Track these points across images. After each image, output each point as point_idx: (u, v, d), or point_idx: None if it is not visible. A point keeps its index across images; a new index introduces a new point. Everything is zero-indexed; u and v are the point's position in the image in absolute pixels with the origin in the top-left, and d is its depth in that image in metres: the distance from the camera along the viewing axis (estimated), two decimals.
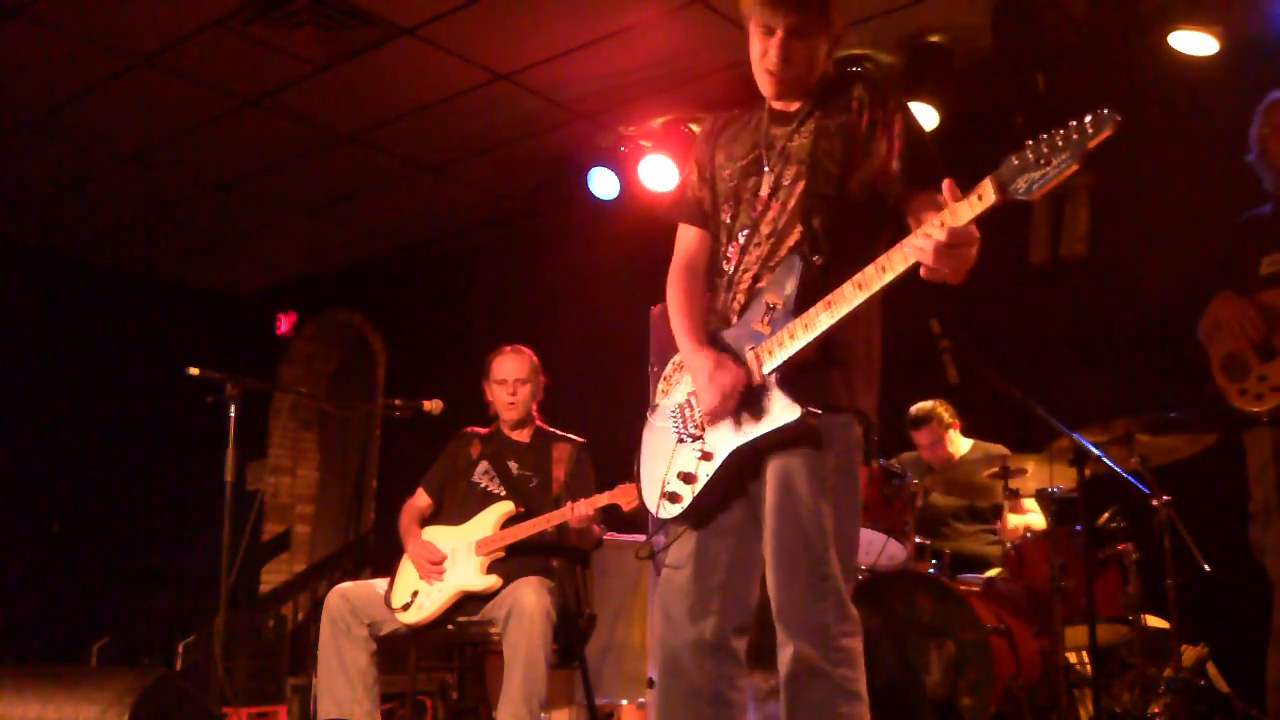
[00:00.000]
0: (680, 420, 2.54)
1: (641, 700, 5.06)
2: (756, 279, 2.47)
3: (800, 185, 2.45)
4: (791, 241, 2.44)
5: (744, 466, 2.45)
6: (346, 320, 9.00)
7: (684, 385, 2.57)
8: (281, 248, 8.44)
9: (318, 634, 4.09)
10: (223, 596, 3.78)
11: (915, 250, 2.13)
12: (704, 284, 2.62)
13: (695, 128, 5.96)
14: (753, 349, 2.41)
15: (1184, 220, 4.88)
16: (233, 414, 3.90)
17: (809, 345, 2.33)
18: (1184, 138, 5.03)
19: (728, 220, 2.56)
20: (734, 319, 2.49)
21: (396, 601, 4.11)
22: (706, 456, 2.47)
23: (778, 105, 2.56)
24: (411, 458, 5.42)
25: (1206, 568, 3.77)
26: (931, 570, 4.20)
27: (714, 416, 2.44)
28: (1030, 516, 4.69)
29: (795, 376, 2.36)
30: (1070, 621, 3.94)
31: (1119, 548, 4.09)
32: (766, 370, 2.37)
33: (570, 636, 4.09)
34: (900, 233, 2.39)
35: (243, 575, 4.82)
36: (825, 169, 2.44)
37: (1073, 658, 4.12)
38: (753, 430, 2.39)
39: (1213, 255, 3.89)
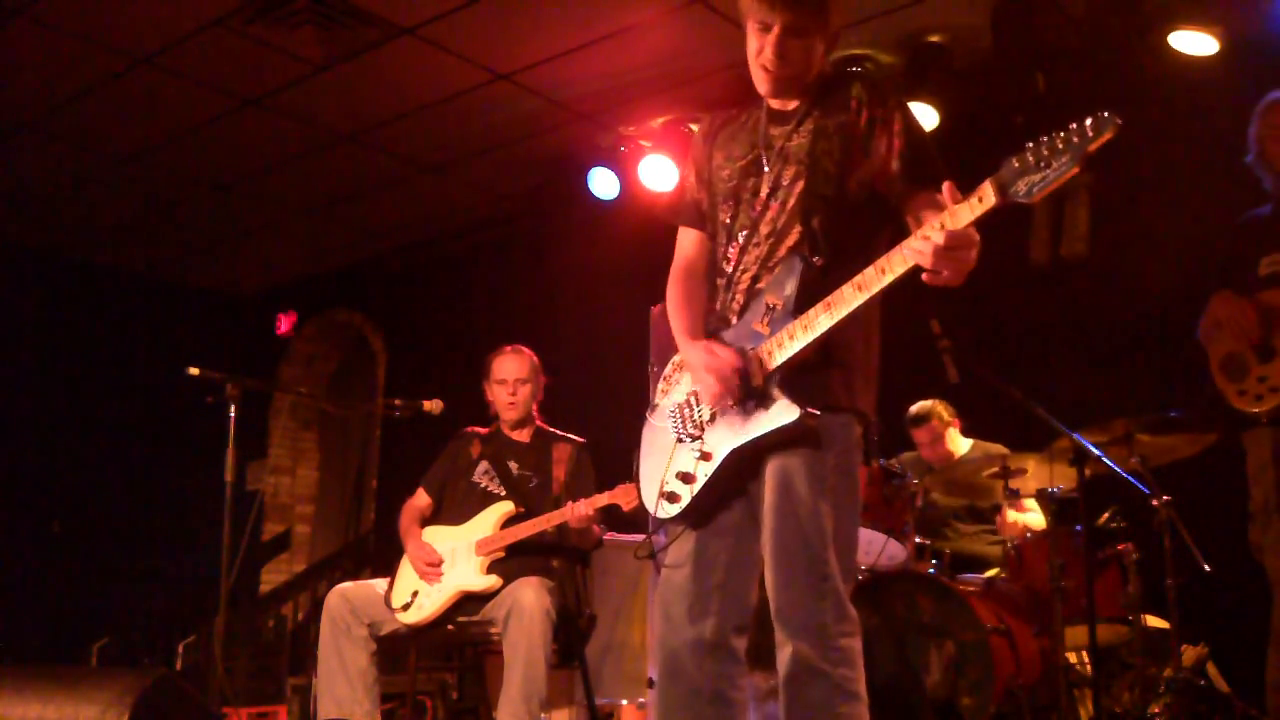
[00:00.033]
0: (679, 420, 2.54)
1: (641, 700, 5.06)
2: (756, 279, 2.47)
3: (799, 185, 2.45)
4: (790, 241, 2.44)
5: (743, 466, 2.44)
6: (346, 320, 9.01)
7: (684, 385, 2.57)
8: (281, 248, 8.44)
9: (318, 634, 4.09)
10: (223, 596, 3.78)
11: (914, 253, 2.13)
12: (704, 286, 2.62)
13: (695, 128, 5.96)
14: (752, 349, 2.41)
15: (1184, 220, 4.88)
16: (233, 414, 3.90)
17: (808, 346, 2.32)
18: (1184, 138, 5.03)
19: (727, 220, 2.56)
20: (733, 319, 2.49)
21: (396, 601, 4.11)
22: (705, 457, 2.47)
23: (775, 104, 2.56)
24: (411, 458, 5.43)
25: (1206, 568, 3.77)
26: (931, 570, 4.20)
27: (718, 400, 2.43)
28: (1030, 516, 4.69)
29: (794, 377, 2.36)
30: (1070, 621, 3.93)
31: (1119, 548, 4.09)
32: (766, 371, 2.37)
33: (570, 636, 4.09)
34: (899, 232, 2.39)
35: (243, 575, 4.82)
36: (824, 169, 2.44)
37: (1073, 658, 4.12)
38: (752, 431, 2.38)
39: (1213, 255, 3.90)
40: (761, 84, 2.52)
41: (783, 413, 2.33)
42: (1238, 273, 3.68)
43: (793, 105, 2.54)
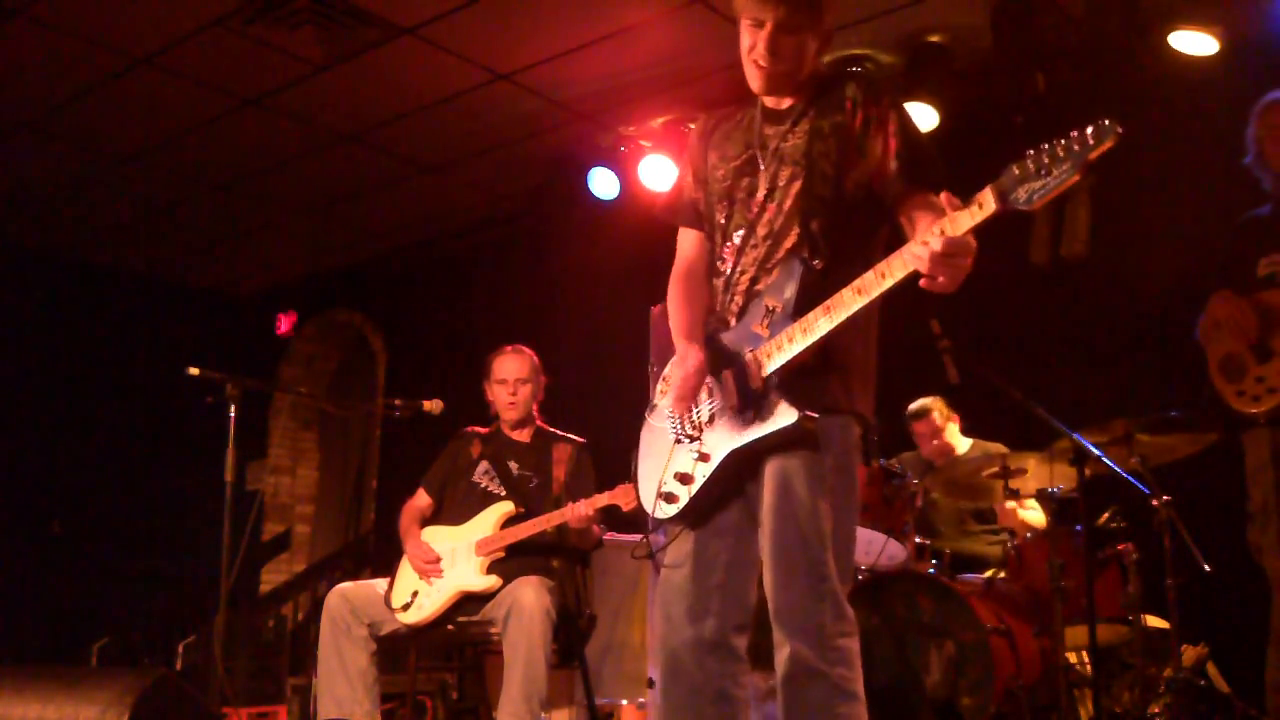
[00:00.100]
0: (678, 421, 2.54)
1: (641, 700, 5.06)
2: (754, 281, 2.47)
3: (796, 186, 2.45)
4: (789, 243, 2.44)
5: (742, 468, 2.45)
6: (346, 320, 9.00)
7: None
8: (281, 248, 8.44)
9: (318, 634, 4.09)
10: (223, 596, 3.78)
11: (913, 258, 2.14)
12: (704, 286, 2.62)
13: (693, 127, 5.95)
14: (752, 352, 2.41)
15: (1184, 220, 4.88)
16: (233, 414, 3.90)
17: (807, 349, 2.33)
18: (1184, 138, 5.03)
19: (722, 220, 2.56)
20: (732, 321, 2.49)
21: (396, 601, 4.11)
22: (704, 458, 2.47)
23: (769, 103, 2.57)
24: (411, 458, 5.43)
25: (1206, 568, 3.77)
26: (931, 570, 4.20)
27: (674, 403, 2.48)
28: (1030, 514, 4.69)
29: (793, 380, 2.36)
30: (1070, 621, 3.93)
31: (1119, 548, 4.09)
32: (765, 373, 2.37)
33: (570, 636, 4.09)
34: (896, 232, 2.40)
35: (243, 575, 4.82)
36: (821, 170, 2.44)
37: (1073, 658, 4.12)
38: (750, 433, 2.39)
39: (1212, 256, 3.90)
40: (754, 81, 2.52)
41: (782, 415, 2.34)
42: (1237, 273, 3.69)
43: (787, 104, 2.54)
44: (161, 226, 8.02)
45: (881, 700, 3.70)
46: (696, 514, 2.51)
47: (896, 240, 2.34)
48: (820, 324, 2.30)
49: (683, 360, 2.47)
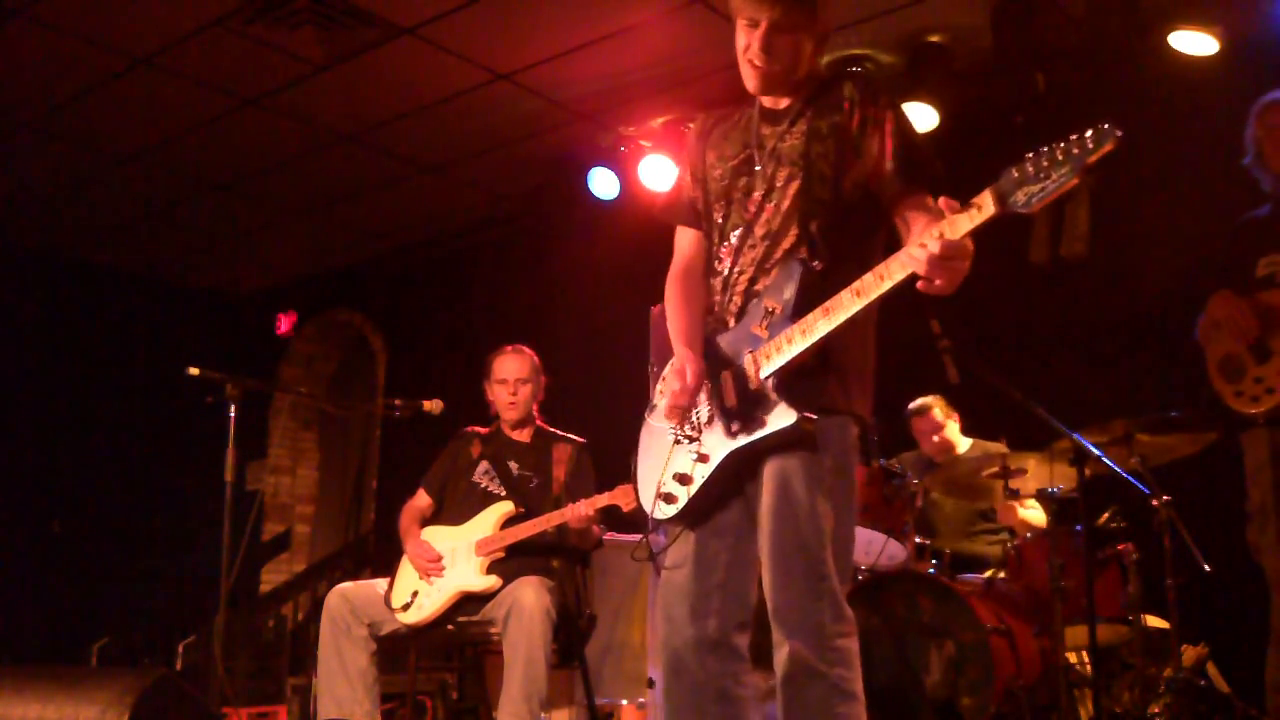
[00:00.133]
0: (677, 422, 2.54)
1: (641, 700, 5.06)
2: (753, 281, 2.47)
3: (794, 186, 2.46)
4: (787, 244, 2.44)
5: (741, 468, 2.45)
6: (346, 320, 9.00)
7: None
8: (281, 248, 8.44)
9: (318, 634, 4.09)
10: (223, 596, 3.78)
11: (911, 260, 2.14)
12: (703, 286, 2.62)
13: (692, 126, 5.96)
14: (750, 353, 2.41)
15: (1184, 220, 4.88)
16: (233, 414, 3.90)
17: (806, 351, 2.33)
18: (1184, 138, 5.03)
19: (719, 220, 2.57)
20: (731, 321, 2.50)
21: (396, 601, 4.11)
22: (703, 459, 2.47)
23: (767, 103, 2.57)
24: (411, 458, 5.43)
25: (1206, 568, 3.77)
26: (931, 570, 4.20)
27: (668, 410, 2.48)
28: (1030, 514, 4.69)
29: (792, 381, 2.36)
30: (1070, 621, 3.93)
31: (1119, 548, 4.09)
32: (764, 374, 2.38)
33: (570, 636, 4.09)
34: (894, 232, 2.40)
35: (243, 575, 4.83)
36: (819, 171, 2.44)
37: (1073, 658, 4.12)
38: (749, 435, 2.39)
39: (1212, 256, 3.90)
40: (750, 80, 2.53)
41: (780, 417, 2.34)
42: (1236, 273, 3.69)
43: (784, 104, 2.55)
44: (161, 226, 8.02)
45: (881, 700, 3.70)
46: (696, 514, 2.51)
47: (895, 241, 2.35)
48: (819, 326, 2.30)
49: (681, 371, 2.46)
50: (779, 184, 2.48)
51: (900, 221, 2.40)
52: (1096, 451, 3.83)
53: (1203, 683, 3.83)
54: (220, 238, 8.26)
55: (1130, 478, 3.91)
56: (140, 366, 8.40)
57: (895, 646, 3.92)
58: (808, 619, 2.32)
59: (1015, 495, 4.28)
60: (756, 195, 2.50)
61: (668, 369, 2.63)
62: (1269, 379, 3.54)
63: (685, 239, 2.70)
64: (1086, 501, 3.88)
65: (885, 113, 2.45)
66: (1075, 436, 3.85)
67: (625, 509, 3.84)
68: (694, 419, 2.51)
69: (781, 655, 2.34)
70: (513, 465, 4.35)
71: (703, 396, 2.49)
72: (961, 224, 2.08)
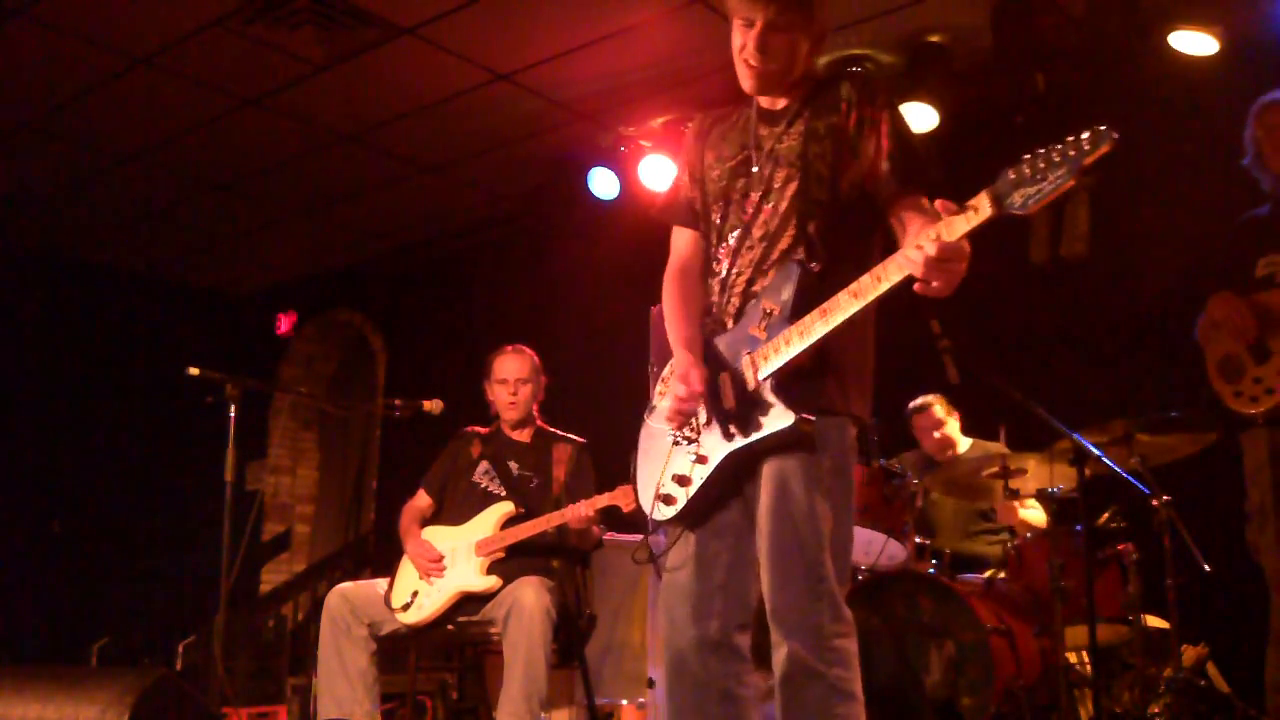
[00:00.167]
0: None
1: (641, 700, 5.06)
2: (751, 282, 2.48)
3: (792, 187, 2.46)
4: (784, 244, 2.44)
5: (739, 469, 2.45)
6: (346, 320, 9.00)
7: None
8: (281, 248, 8.44)
9: (318, 634, 4.09)
10: (223, 596, 3.78)
11: (907, 262, 2.14)
12: (699, 286, 2.63)
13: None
14: (748, 354, 2.41)
15: (1184, 220, 4.88)
16: (233, 414, 3.90)
17: (804, 352, 2.33)
18: (1184, 138, 5.03)
19: (717, 221, 2.57)
20: (729, 323, 2.50)
21: (396, 601, 4.11)
22: (701, 460, 2.47)
23: (764, 103, 2.57)
24: (411, 458, 5.43)
25: (1206, 568, 3.77)
26: (931, 570, 4.20)
27: (670, 416, 2.48)
28: (1030, 513, 4.69)
29: (790, 382, 2.36)
30: (1070, 621, 3.93)
31: (1119, 548, 4.09)
32: (762, 376, 2.38)
33: (570, 636, 4.09)
34: (891, 233, 2.40)
35: (243, 575, 4.83)
36: (817, 171, 2.45)
37: (1073, 658, 4.12)
38: (747, 436, 2.39)
39: (1211, 256, 3.90)
40: (745, 80, 2.53)
41: (778, 418, 2.34)
42: (1235, 273, 3.69)
43: (781, 104, 2.55)
44: (161, 226, 8.02)
45: (881, 700, 3.70)
46: (695, 515, 2.51)
47: (893, 241, 2.34)
48: (816, 328, 2.30)
49: (686, 377, 2.45)
50: (776, 185, 2.48)
51: (896, 222, 2.40)
52: (1096, 451, 3.83)
53: (1203, 683, 3.83)
54: (220, 238, 8.26)
55: (1130, 478, 3.91)
56: (140, 366, 8.40)
57: (895, 646, 3.92)
58: (806, 620, 2.32)
59: (1015, 495, 4.28)
60: (754, 196, 2.50)
61: (667, 371, 2.63)
62: (1268, 379, 3.54)
63: (682, 239, 2.70)
64: (1086, 501, 3.88)
65: (882, 113, 2.45)
66: (1075, 436, 3.85)
67: (625, 509, 3.84)
68: (693, 421, 2.51)
69: (780, 656, 2.34)
70: (513, 465, 4.35)
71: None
72: (958, 226, 2.08)
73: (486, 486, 4.31)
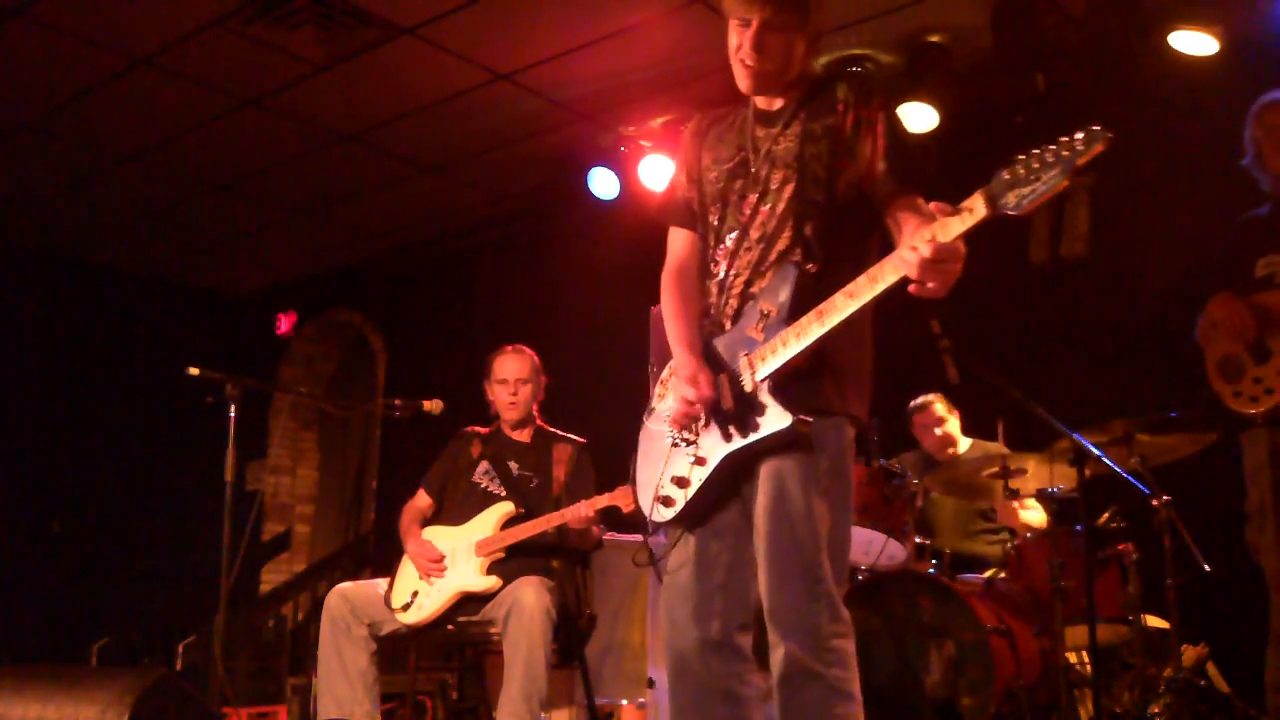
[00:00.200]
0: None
1: (641, 700, 5.06)
2: (749, 284, 2.48)
3: (788, 189, 2.46)
4: (781, 245, 2.45)
5: (738, 469, 2.45)
6: (346, 320, 9.00)
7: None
8: (281, 248, 8.44)
9: (318, 634, 4.09)
10: (223, 596, 3.78)
11: (902, 263, 2.14)
12: (697, 286, 2.63)
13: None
14: (746, 355, 2.41)
15: (1184, 220, 4.88)
16: (233, 414, 3.90)
17: (801, 353, 2.33)
18: (1184, 138, 5.03)
19: (715, 222, 2.57)
20: (727, 324, 2.50)
21: (396, 601, 4.11)
22: (700, 461, 2.47)
23: (761, 104, 2.58)
24: (411, 458, 5.43)
25: (1206, 568, 3.77)
26: (931, 570, 4.19)
27: (675, 420, 2.48)
28: (1030, 513, 4.69)
29: (787, 383, 2.36)
30: (1070, 621, 3.93)
31: (1119, 548, 4.09)
32: (759, 377, 2.38)
33: (570, 636, 4.09)
34: (888, 233, 2.40)
35: (243, 575, 4.82)
36: (813, 173, 2.45)
37: (1073, 658, 4.12)
38: (745, 437, 2.39)
39: (1211, 256, 3.90)
40: (742, 81, 2.53)
41: (776, 419, 2.34)
42: (1235, 274, 3.69)
43: (778, 105, 2.55)
44: (161, 226, 8.02)
45: (881, 700, 3.70)
46: (694, 516, 2.51)
47: (890, 241, 2.35)
48: (813, 329, 2.31)
49: (693, 380, 2.45)
50: (774, 186, 2.48)
51: (892, 223, 2.40)
52: (1096, 451, 3.83)
53: (1203, 683, 3.83)
54: (220, 238, 8.26)
55: (1130, 478, 3.91)
56: (140, 366, 8.40)
57: (895, 646, 3.91)
58: (804, 620, 2.32)
59: (1015, 495, 4.28)
60: (751, 198, 2.51)
61: (666, 373, 2.63)
62: (1268, 379, 3.54)
63: (679, 240, 2.70)
64: (1086, 501, 3.88)
65: (878, 114, 2.45)
66: (1075, 436, 3.85)
67: (625, 510, 3.84)
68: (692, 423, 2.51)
69: (778, 656, 2.34)
70: (513, 465, 4.35)
71: None
72: (951, 227, 2.09)
73: (486, 487, 4.31)
